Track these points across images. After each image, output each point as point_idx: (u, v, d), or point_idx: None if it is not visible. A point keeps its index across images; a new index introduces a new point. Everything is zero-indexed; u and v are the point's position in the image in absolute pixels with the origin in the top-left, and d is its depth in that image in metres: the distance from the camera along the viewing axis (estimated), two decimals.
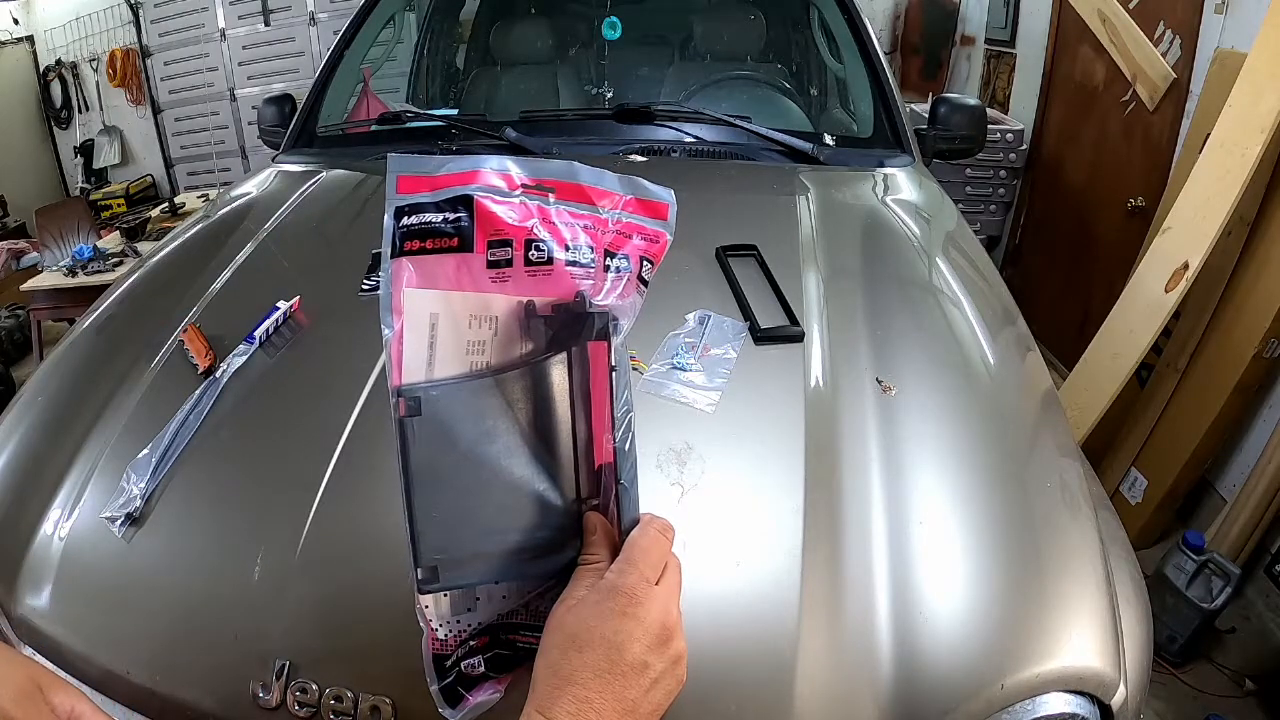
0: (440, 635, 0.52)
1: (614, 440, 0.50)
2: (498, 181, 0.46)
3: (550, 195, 0.47)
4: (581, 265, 0.47)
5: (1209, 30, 2.36)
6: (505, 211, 0.45)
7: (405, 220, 0.45)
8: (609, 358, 0.49)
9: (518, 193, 0.46)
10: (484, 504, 0.49)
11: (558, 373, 0.49)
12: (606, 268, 0.48)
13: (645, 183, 0.49)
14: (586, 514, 0.51)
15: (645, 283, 0.49)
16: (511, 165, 0.46)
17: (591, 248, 0.47)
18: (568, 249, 0.46)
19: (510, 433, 0.48)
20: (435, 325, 0.46)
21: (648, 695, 0.46)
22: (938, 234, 1.43)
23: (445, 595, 0.51)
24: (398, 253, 0.45)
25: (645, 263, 0.49)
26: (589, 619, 0.47)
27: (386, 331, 0.46)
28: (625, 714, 0.45)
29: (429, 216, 0.45)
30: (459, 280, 0.46)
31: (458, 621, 0.52)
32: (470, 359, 0.47)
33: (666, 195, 0.49)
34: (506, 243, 0.46)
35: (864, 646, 0.75)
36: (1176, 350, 2.23)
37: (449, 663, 0.53)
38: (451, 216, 0.45)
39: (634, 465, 0.52)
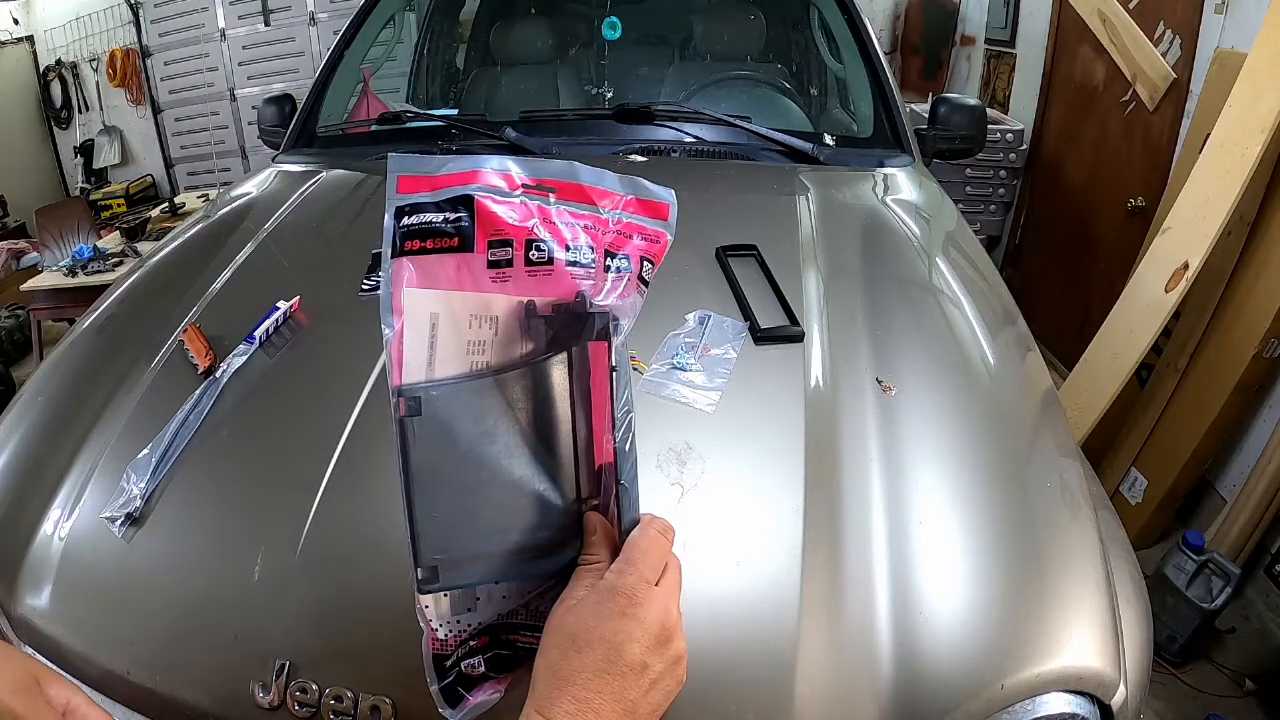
0: (440, 635, 0.52)
1: (614, 440, 0.50)
2: (498, 181, 0.46)
3: (551, 195, 0.46)
4: (582, 265, 0.47)
5: (1209, 30, 2.36)
6: (506, 211, 0.45)
7: (405, 220, 0.45)
8: (609, 358, 0.49)
9: (518, 193, 0.46)
10: (484, 504, 0.49)
11: (558, 373, 0.49)
12: (607, 268, 0.47)
13: (646, 183, 0.49)
14: (587, 514, 0.51)
15: (646, 283, 0.49)
16: (512, 165, 0.46)
17: (592, 248, 0.47)
18: (568, 249, 0.46)
19: (510, 433, 0.48)
20: (436, 325, 0.46)
21: (647, 696, 0.46)
22: (938, 234, 1.43)
23: (445, 595, 0.51)
24: (398, 252, 0.45)
25: (646, 263, 0.49)
26: (588, 619, 0.47)
27: (387, 331, 0.46)
28: (625, 714, 0.45)
29: (429, 216, 0.44)
30: (459, 280, 0.46)
31: (458, 621, 0.52)
32: (471, 359, 0.47)
33: (667, 195, 0.49)
34: (507, 243, 0.45)
35: (864, 646, 0.75)
36: (1176, 350, 2.23)
37: (449, 663, 0.53)
38: (452, 216, 0.45)
39: (634, 465, 0.52)
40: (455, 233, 0.45)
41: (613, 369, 0.49)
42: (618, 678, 0.45)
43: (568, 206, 0.47)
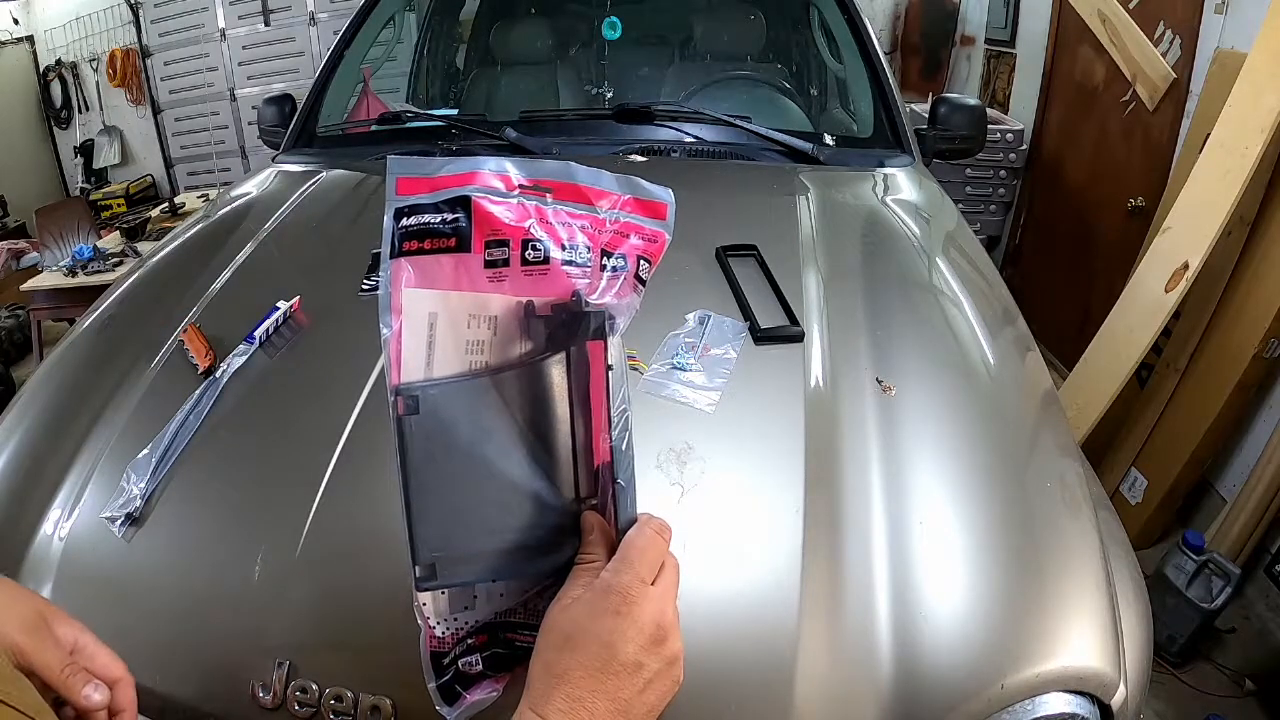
0: (438, 633, 0.52)
1: (611, 439, 0.50)
2: (496, 183, 0.46)
3: (548, 195, 0.47)
4: (578, 265, 0.47)
5: (1209, 30, 2.36)
6: (502, 212, 0.45)
7: (404, 221, 0.45)
8: (605, 357, 0.49)
9: (515, 193, 0.46)
10: (482, 502, 0.49)
11: (556, 372, 0.49)
12: (603, 267, 0.47)
13: (643, 182, 0.49)
14: (584, 513, 0.51)
15: (643, 282, 0.49)
16: (510, 166, 0.46)
17: (588, 247, 0.47)
18: (564, 248, 0.46)
19: (508, 432, 0.49)
20: (434, 325, 0.46)
21: (642, 695, 0.46)
22: (938, 234, 1.43)
23: (443, 593, 0.51)
24: (397, 253, 0.45)
25: (643, 262, 0.49)
26: (583, 618, 0.47)
27: (385, 331, 0.46)
28: (618, 714, 0.45)
29: (427, 217, 0.45)
30: (457, 280, 0.46)
31: (455, 619, 0.52)
32: (469, 359, 0.47)
33: (665, 195, 0.49)
34: (503, 243, 0.46)
35: (864, 646, 0.75)
36: (1176, 350, 2.23)
37: (446, 660, 0.53)
38: (449, 217, 0.45)
39: (631, 465, 0.52)
40: (453, 233, 0.45)
41: (609, 368, 0.49)
42: (612, 676, 0.45)
43: (564, 206, 0.47)
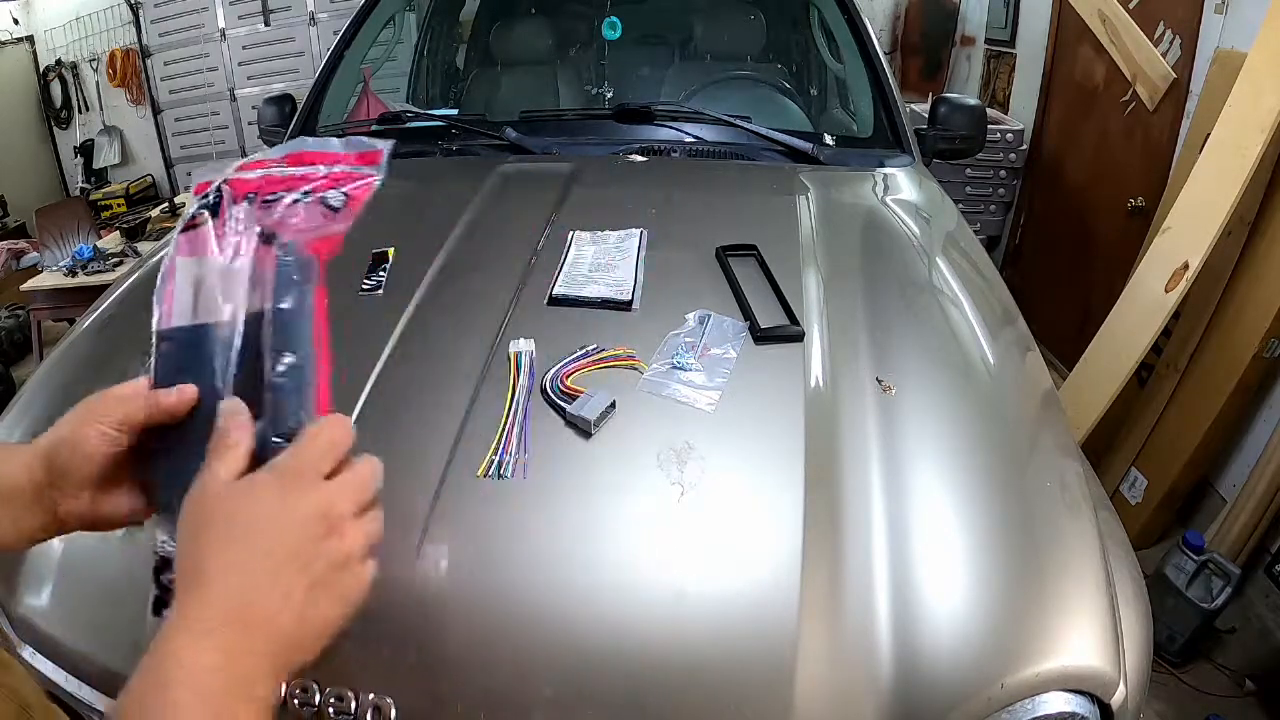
0: (162, 552, 0.53)
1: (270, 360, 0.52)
2: (255, 171, 0.57)
3: (283, 164, 0.57)
4: (301, 204, 0.55)
5: (1209, 30, 2.36)
6: (246, 181, 0.56)
7: (192, 210, 0.56)
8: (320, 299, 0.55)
9: (259, 171, 0.57)
10: (204, 437, 0.51)
11: (287, 315, 0.53)
12: (294, 201, 0.56)
13: (363, 139, 0.57)
14: (221, 401, 0.50)
15: (334, 209, 0.56)
16: (261, 156, 0.58)
17: (307, 193, 0.56)
18: (289, 195, 0.55)
19: (234, 374, 0.53)
20: (198, 284, 0.54)
21: (310, 594, 0.42)
22: (938, 234, 1.43)
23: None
24: (180, 232, 0.55)
25: (334, 194, 0.56)
26: (228, 502, 0.43)
27: (159, 290, 0.53)
28: (278, 620, 0.41)
29: (201, 202, 0.56)
30: (217, 243, 0.54)
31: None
32: (224, 308, 0.54)
33: (381, 145, 0.58)
34: (248, 200, 0.56)
35: (864, 646, 0.75)
36: (1176, 350, 2.23)
37: (165, 578, 0.53)
38: (212, 199, 0.56)
39: (301, 370, 0.53)
40: (214, 208, 0.55)
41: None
42: (269, 571, 0.41)
43: (295, 170, 0.57)
